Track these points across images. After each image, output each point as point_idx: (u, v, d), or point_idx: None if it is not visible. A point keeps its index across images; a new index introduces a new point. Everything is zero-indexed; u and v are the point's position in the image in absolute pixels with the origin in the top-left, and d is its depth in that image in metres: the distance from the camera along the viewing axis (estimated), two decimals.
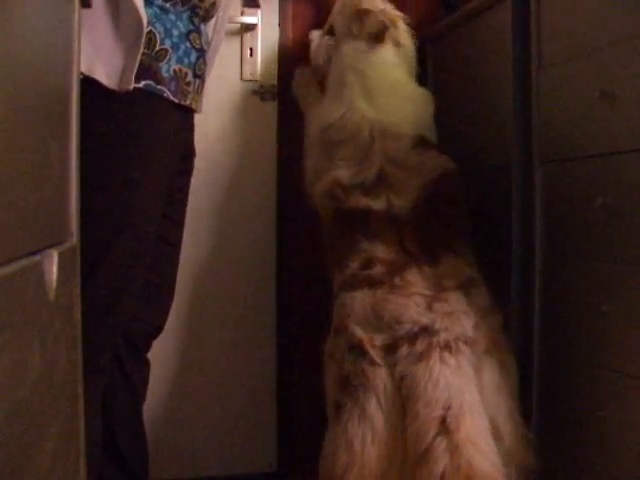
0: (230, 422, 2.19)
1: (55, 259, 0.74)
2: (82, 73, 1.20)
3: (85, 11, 1.15)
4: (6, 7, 0.59)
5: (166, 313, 1.64)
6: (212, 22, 1.65)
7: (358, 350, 1.33)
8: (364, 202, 1.56)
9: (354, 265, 1.49)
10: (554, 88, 1.59)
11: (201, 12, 1.52)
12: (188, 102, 1.52)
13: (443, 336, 1.30)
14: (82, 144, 1.06)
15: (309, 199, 1.78)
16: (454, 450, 1.18)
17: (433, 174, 1.62)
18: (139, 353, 1.60)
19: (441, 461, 1.17)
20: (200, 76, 1.56)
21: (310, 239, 2.23)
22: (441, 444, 1.18)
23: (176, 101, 1.47)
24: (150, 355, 1.68)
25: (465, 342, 1.31)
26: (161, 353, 2.00)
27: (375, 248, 1.49)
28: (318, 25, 2.27)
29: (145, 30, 1.35)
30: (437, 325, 1.31)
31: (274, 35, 2.21)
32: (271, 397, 2.22)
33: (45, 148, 0.76)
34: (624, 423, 1.32)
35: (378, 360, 1.30)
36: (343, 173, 1.62)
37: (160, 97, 1.43)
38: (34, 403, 0.67)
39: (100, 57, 1.32)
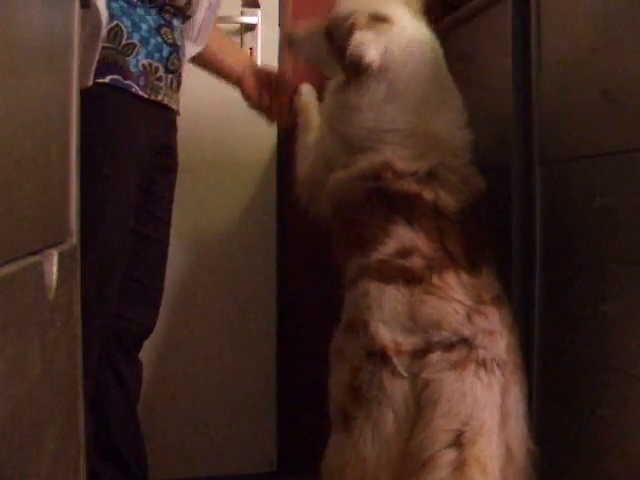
0: (230, 422, 2.19)
1: (55, 259, 0.74)
2: None
3: None
4: (6, 8, 0.59)
5: (156, 311, 1.63)
6: (196, 20, 1.62)
7: (379, 358, 1.22)
8: (415, 188, 1.42)
9: (386, 249, 1.33)
10: (554, 88, 1.59)
11: (172, 9, 1.49)
12: (160, 98, 1.48)
13: (481, 353, 1.22)
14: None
15: (302, 187, 1.64)
16: (460, 466, 1.13)
17: (478, 186, 1.54)
18: (130, 353, 1.60)
19: (442, 472, 1.12)
20: (173, 72, 1.52)
21: (310, 239, 2.23)
22: (448, 456, 1.13)
23: (145, 96, 1.44)
24: (150, 355, 1.68)
25: (498, 364, 1.24)
26: (160, 353, 2.00)
27: (415, 236, 1.34)
28: None
29: (104, 24, 1.32)
30: (477, 341, 1.23)
31: (274, 35, 2.21)
32: (271, 397, 2.22)
33: (45, 148, 0.76)
34: (625, 423, 1.32)
35: (402, 370, 1.20)
36: (395, 158, 1.44)
37: (128, 92, 1.40)
38: (34, 403, 0.67)
39: None
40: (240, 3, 2.15)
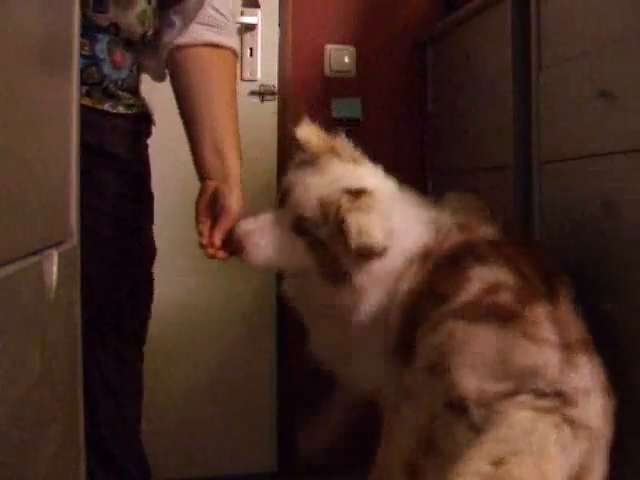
0: (230, 422, 2.19)
1: (55, 259, 0.74)
2: None
3: None
4: (5, 7, 0.59)
5: (144, 318, 1.60)
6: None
7: (458, 408, 1.11)
8: (465, 236, 1.34)
9: (472, 289, 1.21)
10: (554, 88, 1.59)
11: (100, 22, 1.38)
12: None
13: (575, 413, 1.10)
14: None
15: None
16: None
17: (486, 213, 1.47)
18: (122, 359, 1.58)
19: None
20: (93, 84, 1.40)
21: None
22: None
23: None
24: (150, 355, 1.68)
25: (586, 427, 1.12)
26: (160, 354, 2.00)
27: (494, 271, 1.23)
28: (318, 25, 2.27)
29: None
30: (574, 399, 1.11)
31: (274, 35, 2.22)
32: (271, 397, 2.22)
33: (45, 148, 0.75)
34: (625, 423, 1.32)
35: (480, 423, 1.08)
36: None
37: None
38: (34, 403, 0.67)
39: None
40: (240, 3, 2.15)
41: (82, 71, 1.38)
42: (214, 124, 1.46)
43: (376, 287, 1.32)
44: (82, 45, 1.38)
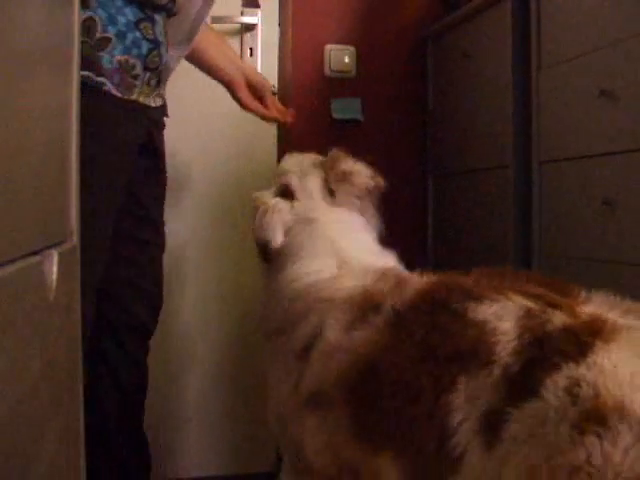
0: (230, 422, 2.19)
1: (55, 259, 0.74)
2: None
3: None
4: (5, 7, 0.59)
5: (156, 313, 1.61)
6: (185, 19, 1.55)
7: None
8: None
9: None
10: (554, 88, 1.59)
11: (153, 4, 1.42)
12: (134, 97, 1.40)
13: None
14: None
15: None
16: None
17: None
18: (129, 354, 1.58)
19: None
20: (154, 70, 1.44)
21: None
22: None
23: (119, 95, 1.36)
24: (150, 354, 1.68)
25: None
26: (160, 353, 2.00)
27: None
28: (318, 25, 2.27)
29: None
30: None
31: (274, 35, 2.21)
32: None
33: (45, 148, 0.75)
34: None
35: None
36: None
37: (99, 90, 1.32)
38: (34, 403, 0.67)
39: None
40: (240, 3, 2.15)
41: (146, 56, 1.40)
42: (214, 46, 1.73)
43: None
44: (145, 29, 1.39)
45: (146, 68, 1.40)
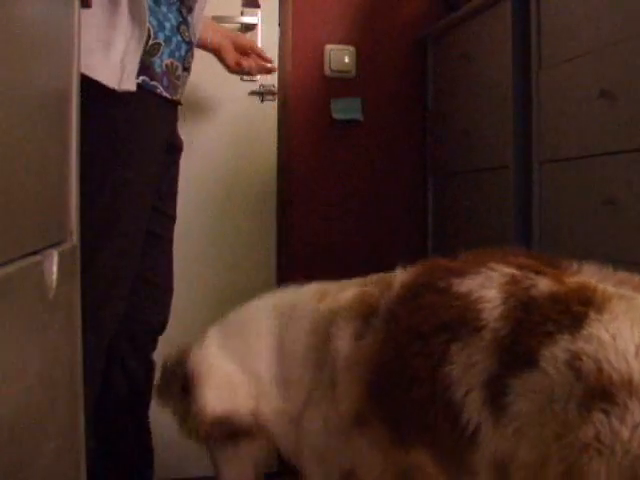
0: None
1: (55, 259, 0.74)
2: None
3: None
4: (6, 7, 0.59)
5: (167, 309, 1.62)
6: (198, 14, 1.60)
7: None
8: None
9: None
10: (554, 88, 1.59)
11: (189, 2, 1.48)
12: (177, 97, 1.48)
13: None
14: (92, 159, 1.14)
15: None
16: None
17: None
18: (141, 352, 1.60)
19: None
20: (188, 69, 1.52)
21: (310, 239, 2.23)
22: None
23: (168, 96, 1.43)
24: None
25: None
26: (161, 352, 1.99)
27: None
28: (318, 25, 2.27)
29: (147, 23, 1.32)
30: None
31: (274, 35, 2.21)
32: None
33: (45, 148, 0.75)
34: None
35: None
36: None
37: (153, 93, 1.39)
38: (34, 403, 0.67)
39: (96, 53, 1.28)
40: (240, 3, 2.15)
41: (184, 58, 1.47)
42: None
43: None
44: (183, 31, 1.47)
45: (185, 69, 1.49)
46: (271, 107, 2.22)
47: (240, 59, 1.85)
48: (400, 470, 1.18)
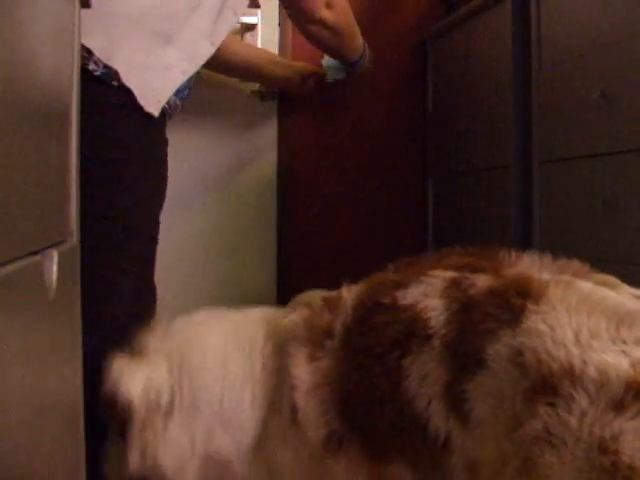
0: None
1: (55, 259, 0.74)
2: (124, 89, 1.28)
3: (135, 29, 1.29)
4: (5, 7, 0.59)
5: (155, 306, 1.65)
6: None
7: None
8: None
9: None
10: (554, 88, 1.59)
11: None
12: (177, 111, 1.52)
13: None
14: (114, 165, 1.26)
15: None
16: None
17: None
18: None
19: None
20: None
21: (310, 239, 2.23)
22: None
23: (169, 113, 1.46)
24: None
25: None
26: None
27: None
28: None
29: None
30: None
31: (274, 35, 2.21)
32: None
33: (45, 148, 0.75)
34: None
35: None
36: None
37: (165, 113, 1.43)
38: (34, 403, 0.67)
39: (149, 79, 1.34)
40: None
41: (184, 99, 1.50)
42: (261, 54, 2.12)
43: None
44: (191, 78, 1.48)
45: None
46: (271, 107, 2.23)
47: (303, 85, 2.08)
48: None
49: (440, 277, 1.05)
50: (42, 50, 0.74)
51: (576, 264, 1.04)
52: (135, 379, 1.13)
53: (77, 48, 0.92)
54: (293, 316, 1.20)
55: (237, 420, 1.17)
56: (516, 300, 0.95)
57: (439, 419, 0.98)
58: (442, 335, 0.99)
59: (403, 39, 2.31)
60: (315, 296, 1.24)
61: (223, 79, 2.13)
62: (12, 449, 0.60)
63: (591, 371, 0.85)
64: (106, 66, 1.27)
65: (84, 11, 1.06)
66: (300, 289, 2.24)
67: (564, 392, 0.86)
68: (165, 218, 1.62)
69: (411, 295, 1.05)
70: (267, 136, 2.22)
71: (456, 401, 0.96)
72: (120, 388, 1.11)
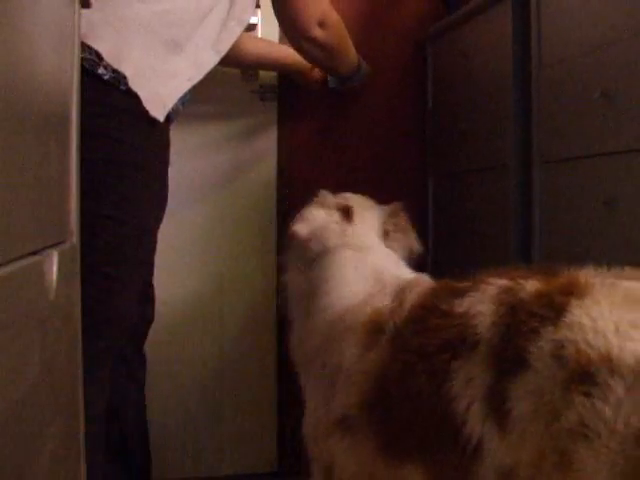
0: (230, 422, 2.19)
1: (55, 259, 0.74)
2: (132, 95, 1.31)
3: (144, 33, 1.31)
4: (6, 7, 0.59)
5: (154, 304, 1.66)
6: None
7: None
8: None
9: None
10: (554, 88, 1.59)
11: None
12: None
13: None
14: (119, 166, 1.29)
15: None
16: None
17: None
18: (139, 348, 1.62)
19: None
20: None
21: None
22: None
23: (172, 117, 1.49)
24: (150, 355, 1.68)
25: None
26: (161, 353, 2.00)
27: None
28: None
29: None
30: None
31: (274, 35, 2.21)
32: (271, 398, 2.22)
33: (45, 148, 0.75)
34: None
35: None
36: None
37: (169, 117, 1.45)
38: (34, 403, 0.67)
39: (155, 86, 1.36)
40: None
41: (184, 103, 1.52)
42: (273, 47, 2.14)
43: None
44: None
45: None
46: (271, 107, 2.23)
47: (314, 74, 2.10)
48: None
49: (495, 284, 1.08)
50: (42, 50, 0.74)
51: (629, 270, 1.04)
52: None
53: (77, 48, 0.92)
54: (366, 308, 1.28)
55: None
56: (560, 298, 0.95)
57: (475, 422, 0.98)
58: (487, 339, 1.01)
59: (403, 38, 2.31)
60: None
61: (223, 78, 2.13)
62: (12, 449, 0.60)
63: (629, 359, 0.84)
64: (115, 70, 1.28)
65: (94, 15, 1.06)
66: None
67: (600, 380, 0.85)
68: (165, 218, 1.63)
69: (467, 302, 1.09)
70: (267, 136, 2.22)
71: (496, 402, 0.96)
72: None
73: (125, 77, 1.30)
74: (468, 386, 1.01)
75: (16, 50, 0.63)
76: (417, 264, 1.49)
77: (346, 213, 1.50)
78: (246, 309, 2.21)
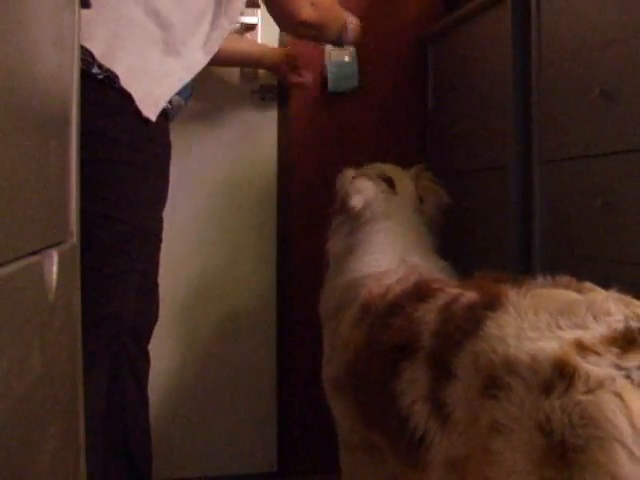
0: (230, 422, 2.19)
1: (55, 259, 0.74)
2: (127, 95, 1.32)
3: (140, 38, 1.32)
4: (6, 8, 0.59)
5: (158, 303, 1.66)
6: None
7: None
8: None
9: None
10: (554, 88, 1.59)
11: None
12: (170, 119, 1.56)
13: None
14: (116, 166, 1.30)
15: None
16: None
17: None
18: (143, 347, 1.62)
19: None
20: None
21: (310, 239, 2.23)
22: None
23: (172, 114, 1.50)
24: (151, 355, 1.68)
25: None
26: (162, 354, 2.00)
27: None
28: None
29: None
30: None
31: (274, 35, 2.21)
32: (272, 398, 2.22)
33: (45, 148, 0.75)
34: None
35: None
36: None
37: (167, 113, 1.46)
38: (34, 403, 0.67)
39: (153, 78, 1.38)
40: None
41: (187, 98, 1.56)
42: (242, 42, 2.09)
43: None
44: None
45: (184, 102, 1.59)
46: (271, 107, 2.23)
47: (293, 75, 2.07)
48: (367, 439, 1.39)
49: (448, 293, 1.20)
50: (42, 50, 0.74)
51: (566, 279, 1.13)
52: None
53: (77, 48, 0.92)
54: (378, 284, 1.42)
55: None
56: (481, 312, 1.06)
57: (420, 418, 1.12)
58: (428, 347, 1.15)
59: (403, 38, 2.31)
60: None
61: (223, 78, 2.13)
62: (12, 449, 0.60)
63: (524, 358, 0.92)
64: (108, 70, 1.29)
65: (89, 16, 1.06)
66: (300, 288, 2.25)
67: (503, 384, 0.94)
68: (165, 217, 1.63)
69: (423, 308, 1.22)
70: (267, 135, 2.22)
71: (438, 407, 1.08)
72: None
73: (117, 77, 1.31)
74: (412, 387, 1.15)
75: (16, 50, 0.63)
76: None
77: (390, 183, 1.64)
78: (246, 309, 2.21)
